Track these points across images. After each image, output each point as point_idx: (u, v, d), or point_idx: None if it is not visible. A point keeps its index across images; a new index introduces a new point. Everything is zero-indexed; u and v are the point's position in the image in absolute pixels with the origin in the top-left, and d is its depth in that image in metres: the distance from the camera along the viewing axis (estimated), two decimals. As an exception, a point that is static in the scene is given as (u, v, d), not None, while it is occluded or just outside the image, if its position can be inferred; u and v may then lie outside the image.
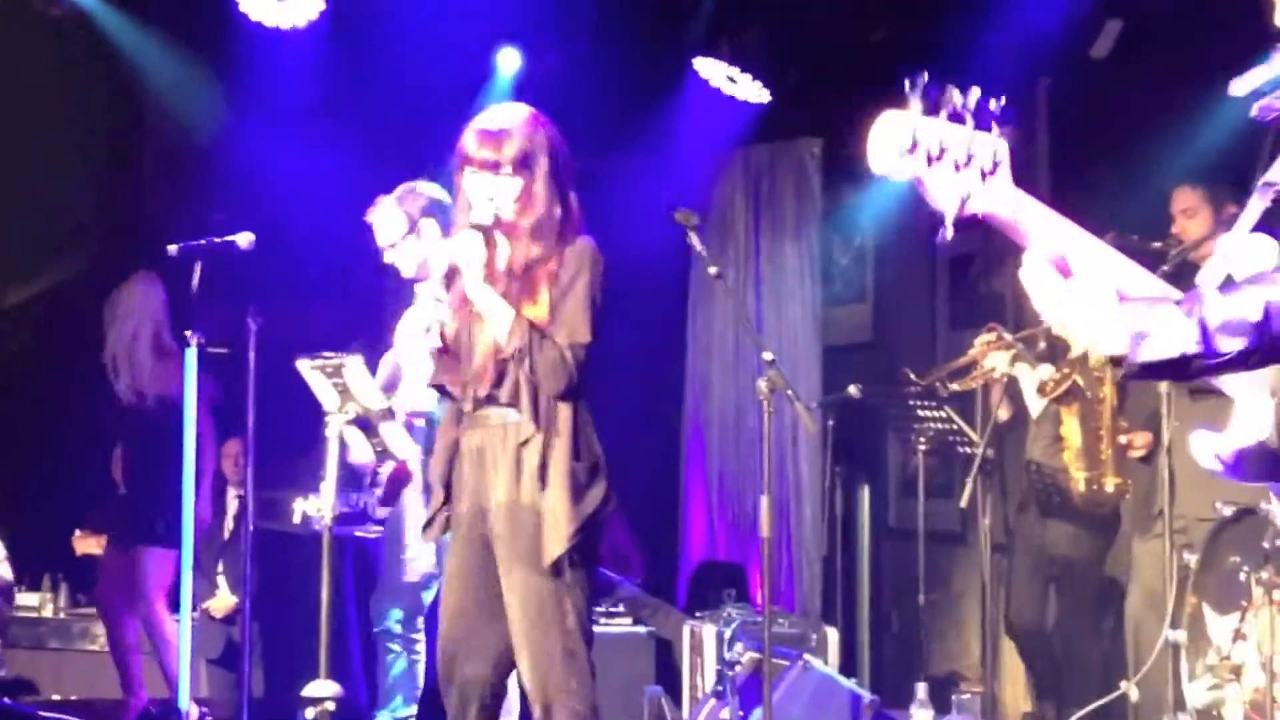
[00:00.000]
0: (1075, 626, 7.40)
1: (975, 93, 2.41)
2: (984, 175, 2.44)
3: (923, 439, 7.98)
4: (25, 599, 8.71)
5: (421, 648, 6.51)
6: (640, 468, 9.96)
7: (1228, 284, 2.64)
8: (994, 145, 2.44)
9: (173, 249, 6.33)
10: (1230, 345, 2.49)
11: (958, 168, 2.42)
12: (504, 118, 4.74)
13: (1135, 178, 7.55)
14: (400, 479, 6.10)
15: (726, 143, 9.62)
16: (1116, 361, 2.50)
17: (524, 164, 4.66)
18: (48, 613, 8.69)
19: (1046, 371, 7.24)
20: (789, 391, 5.92)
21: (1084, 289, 2.49)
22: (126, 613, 7.39)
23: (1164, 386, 5.92)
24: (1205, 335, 2.48)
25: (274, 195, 7.91)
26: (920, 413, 7.89)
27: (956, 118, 2.42)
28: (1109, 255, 2.57)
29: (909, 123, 2.39)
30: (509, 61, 8.90)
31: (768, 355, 5.83)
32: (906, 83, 2.41)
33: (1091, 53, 8.09)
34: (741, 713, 6.10)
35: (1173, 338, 2.47)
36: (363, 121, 7.97)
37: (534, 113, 4.80)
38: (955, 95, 2.42)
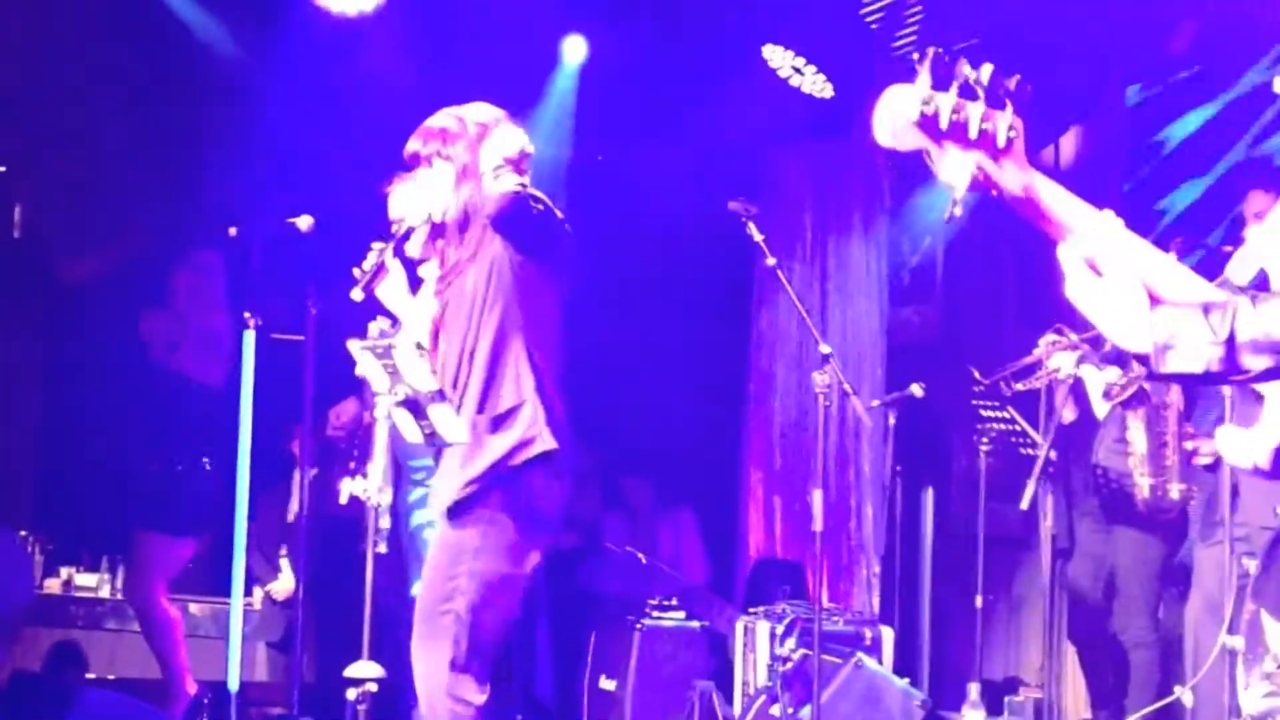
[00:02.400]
0: (1136, 634, 7.30)
1: (988, 68, 2.37)
2: (997, 152, 2.40)
3: (985, 439, 7.90)
4: (83, 580, 8.75)
5: None
6: (701, 463, 9.94)
7: (1259, 291, 2.60)
8: (1008, 122, 2.40)
9: (233, 230, 6.33)
10: (1256, 363, 2.47)
11: (969, 143, 2.38)
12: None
13: (1210, 179, 7.48)
14: None
15: (795, 136, 9.56)
16: (1141, 360, 2.48)
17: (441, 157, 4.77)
18: (105, 594, 8.69)
19: (1113, 374, 7.15)
20: (846, 385, 5.87)
21: (1114, 288, 2.47)
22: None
23: (1227, 390, 5.82)
24: (1231, 352, 2.47)
25: (335, 179, 7.91)
26: (983, 413, 7.80)
27: (968, 92, 2.37)
28: (1132, 242, 2.54)
29: (917, 95, 2.35)
30: (575, 50, 8.87)
31: (825, 348, 5.79)
32: (915, 55, 2.38)
33: (1168, 49, 8.03)
34: (791, 709, 6.05)
35: (1197, 353, 2.47)
36: (427, 108, 7.95)
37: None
38: (967, 69, 2.38)
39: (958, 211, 2.42)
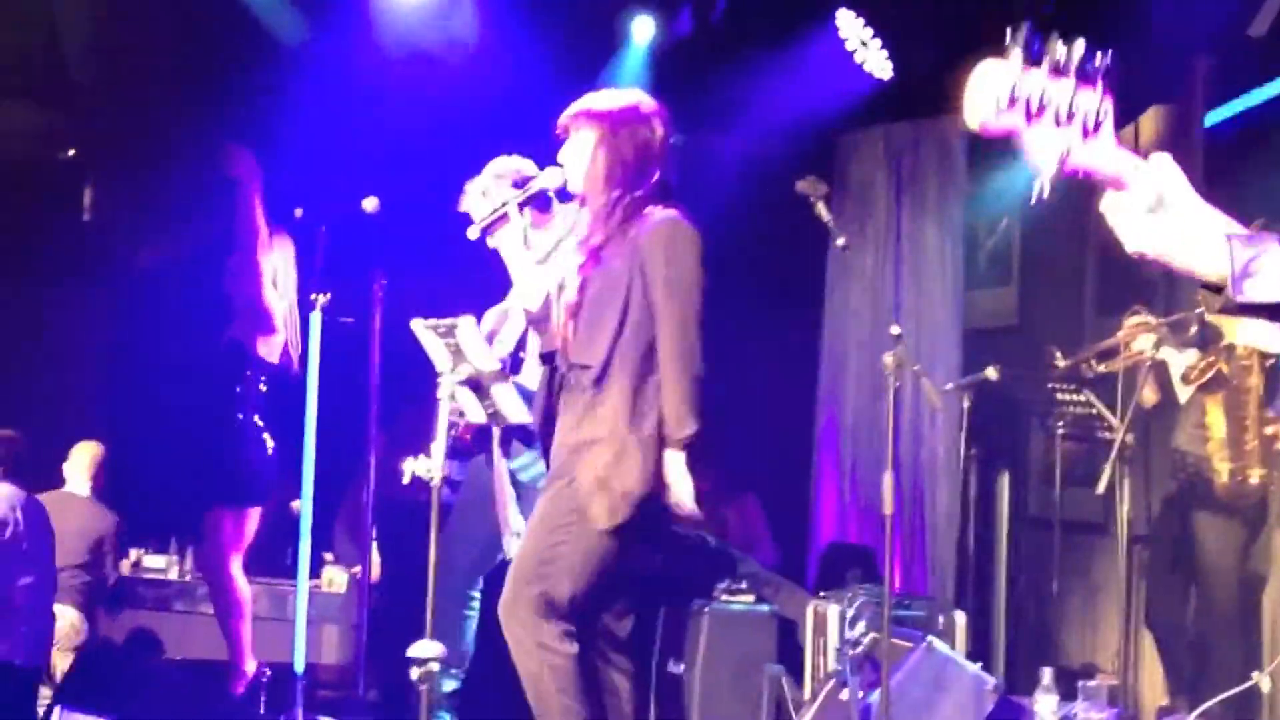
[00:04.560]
0: (1215, 621, 7.18)
1: (1079, 45, 2.30)
2: (1086, 132, 2.33)
3: (1061, 423, 7.80)
4: (152, 561, 8.78)
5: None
6: (772, 447, 9.85)
7: None
8: (1097, 102, 2.32)
9: (299, 212, 6.31)
10: None
11: (1058, 123, 2.31)
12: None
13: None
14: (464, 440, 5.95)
15: (869, 116, 9.45)
16: (1215, 288, 2.38)
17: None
18: (173, 575, 8.72)
19: (1192, 357, 7.03)
20: (915, 367, 5.79)
21: (1182, 216, 2.37)
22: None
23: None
24: None
25: (401, 160, 7.88)
26: (1059, 396, 7.70)
27: (1059, 71, 2.30)
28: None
29: (1009, 75, 2.28)
30: (643, 30, 8.78)
31: (895, 330, 5.71)
32: (1008, 32, 2.30)
33: (1249, 31, 7.88)
34: (861, 694, 5.98)
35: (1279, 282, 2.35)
36: (492, 90, 7.92)
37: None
38: (1059, 47, 2.30)
39: (1046, 192, 2.35)
